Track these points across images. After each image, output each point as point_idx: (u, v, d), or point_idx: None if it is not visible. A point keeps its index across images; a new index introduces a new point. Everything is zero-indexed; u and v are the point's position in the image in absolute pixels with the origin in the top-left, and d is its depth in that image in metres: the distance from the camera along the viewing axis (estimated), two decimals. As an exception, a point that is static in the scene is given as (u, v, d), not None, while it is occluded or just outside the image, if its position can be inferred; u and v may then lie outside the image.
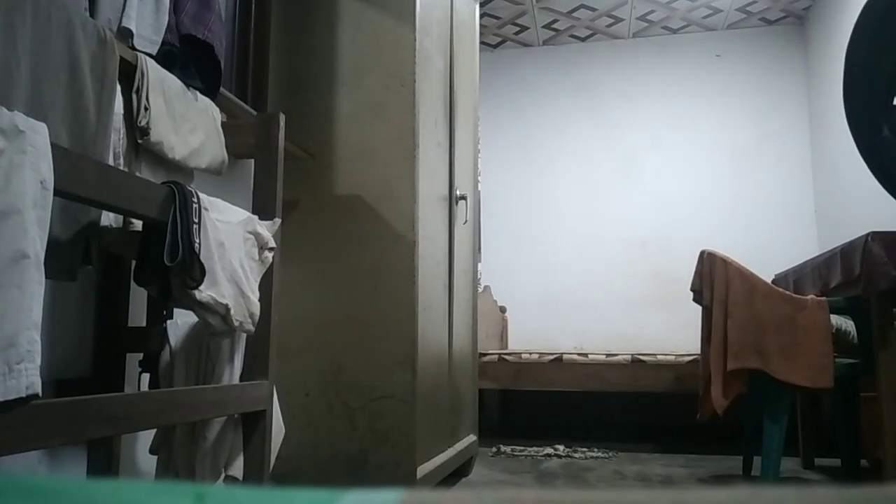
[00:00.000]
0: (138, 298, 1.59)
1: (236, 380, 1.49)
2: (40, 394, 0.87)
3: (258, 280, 1.47)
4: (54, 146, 0.94)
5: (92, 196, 1.05)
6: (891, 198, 2.78)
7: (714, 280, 2.56)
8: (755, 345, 2.40)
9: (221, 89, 1.77)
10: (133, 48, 1.44)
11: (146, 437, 1.59)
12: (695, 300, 2.72)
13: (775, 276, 3.20)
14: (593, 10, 4.43)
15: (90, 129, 1.24)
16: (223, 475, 1.45)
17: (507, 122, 4.82)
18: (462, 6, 2.88)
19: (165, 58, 1.52)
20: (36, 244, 0.89)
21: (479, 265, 4.30)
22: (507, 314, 4.46)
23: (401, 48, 2.23)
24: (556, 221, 4.67)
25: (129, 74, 1.39)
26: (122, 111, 1.36)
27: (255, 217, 1.49)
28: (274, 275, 1.54)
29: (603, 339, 4.36)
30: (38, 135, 0.91)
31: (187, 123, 1.52)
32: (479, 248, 4.39)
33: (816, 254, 3.26)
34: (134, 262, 1.35)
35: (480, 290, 4.17)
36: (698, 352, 2.91)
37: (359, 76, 2.26)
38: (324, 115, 2.27)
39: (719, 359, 2.47)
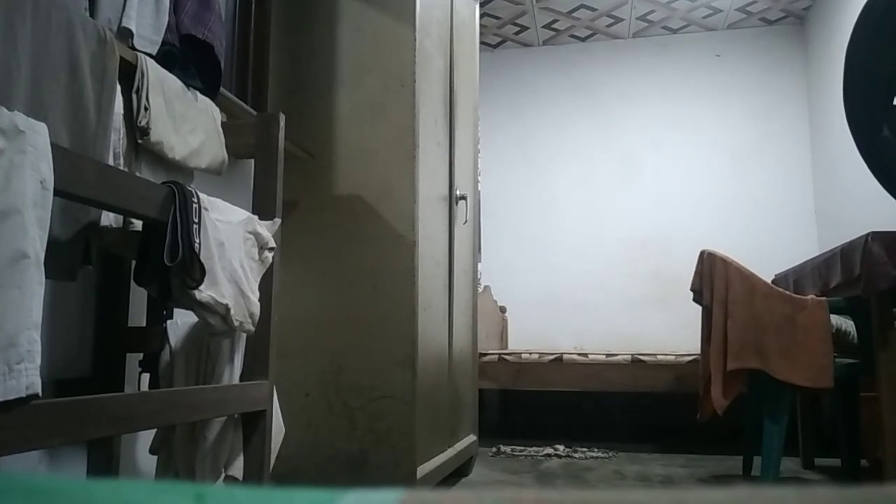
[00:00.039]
0: (138, 298, 1.59)
1: (236, 380, 1.49)
2: (40, 394, 0.87)
3: (258, 280, 1.47)
4: (54, 146, 0.94)
5: (92, 196, 1.05)
6: (891, 198, 2.78)
7: (714, 280, 2.56)
8: (755, 345, 2.40)
9: (221, 89, 1.77)
10: (133, 48, 1.44)
11: (146, 437, 1.59)
12: (695, 300, 2.72)
13: (775, 276, 3.20)
14: (593, 10, 4.43)
15: (90, 129, 1.24)
16: (223, 475, 1.45)
17: (507, 122, 4.82)
18: (462, 6, 2.88)
19: (165, 58, 1.52)
20: (36, 244, 0.89)
21: (479, 265, 4.30)
22: (507, 314, 4.46)
23: (401, 48, 2.23)
24: (556, 221, 4.67)
25: (129, 74, 1.39)
26: (122, 111, 1.36)
27: (255, 217, 1.49)
28: (274, 275, 1.54)
29: (603, 339, 4.36)
30: (38, 135, 0.91)
31: (187, 123, 1.52)
32: (479, 248, 4.39)
33: (816, 254, 3.26)
34: (134, 262, 1.35)
35: (480, 290, 4.17)
36: (698, 352, 2.91)
37: (359, 76, 2.26)
38: (324, 115, 2.27)
39: (719, 359, 2.47)
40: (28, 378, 0.86)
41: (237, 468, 1.47)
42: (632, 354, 3.58)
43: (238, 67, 2.39)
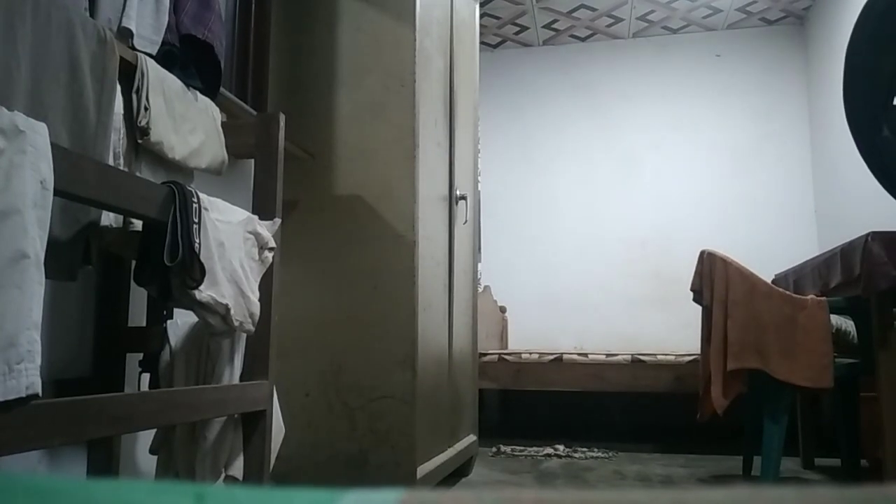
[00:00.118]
0: (138, 298, 1.59)
1: (236, 380, 1.49)
2: (40, 394, 0.87)
3: (258, 280, 1.47)
4: (54, 146, 0.94)
5: (92, 196, 1.05)
6: (891, 198, 2.78)
7: (714, 280, 2.56)
8: (755, 345, 2.40)
9: (221, 89, 1.77)
10: (133, 48, 1.44)
11: (146, 437, 1.59)
12: (695, 300, 2.72)
13: (775, 276, 3.20)
14: (593, 10, 4.43)
15: (90, 129, 1.24)
16: (223, 475, 1.45)
17: (507, 122, 4.82)
18: (462, 6, 2.88)
19: (165, 58, 1.52)
20: (36, 244, 0.89)
21: (479, 265, 4.30)
22: (507, 314, 4.46)
23: (401, 48, 2.23)
24: (556, 221, 4.67)
25: (129, 74, 1.39)
26: (122, 111, 1.36)
27: (255, 217, 1.49)
28: (274, 275, 1.54)
29: (603, 339, 4.36)
30: (38, 135, 0.91)
31: (187, 123, 1.52)
32: (479, 248, 4.39)
33: (816, 254, 3.26)
34: (134, 262, 1.35)
35: (480, 290, 4.17)
36: (698, 352, 2.91)
37: (359, 76, 2.26)
38: (324, 115, 2.27)
39: (719, 359, 2.47)
40: (28, 378, 0.86)
41: (237, 468, 1.47)
42: (632, 354, 3.58)
43: (238, 67, 2.39)
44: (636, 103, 4.68)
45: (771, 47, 4.56)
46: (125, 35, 1.44)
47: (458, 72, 2.74)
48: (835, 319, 2.46)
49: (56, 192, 0.93)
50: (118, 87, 1.34)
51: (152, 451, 1.51)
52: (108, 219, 1.33)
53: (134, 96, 1.39)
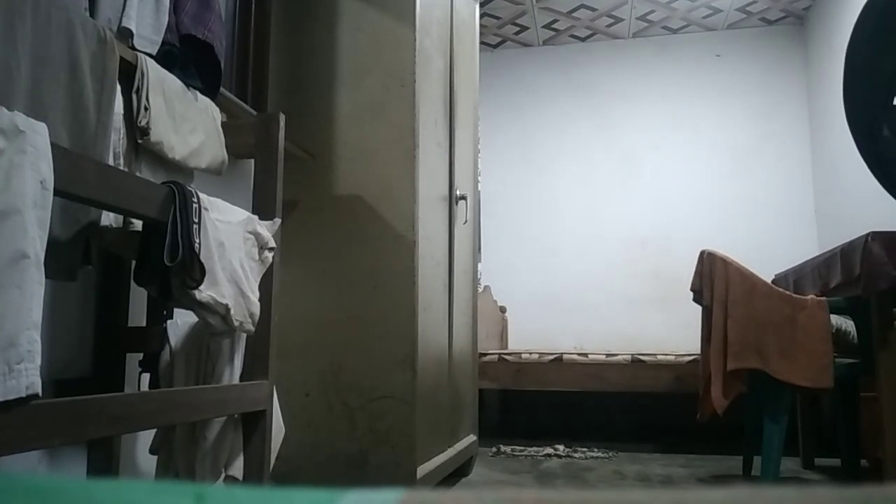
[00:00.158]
0: (138, 298, 1.59)
1: (236, 380, 1.49)
2: (40, 394, 0.87)
3: (258, 280, 1.47)
4: (54, 146, 0.94)
5: (92, 196, 1.05)
6: (891, 198, 2.78)
7: (714, 280, 2.56)
8: (755, 345, 2.40)
9: (221, 89, 1.77)
10: (133, 48, 1.44)
11: (146, 437, 1.59)
12: (695, 300, 2.72)
13: (775, 276, 3.20)
14: (593, 10, 4.43)
15: (90, 129, 1.24)
16: (223, 475, 1.45)
17: (507, 122, 4.82)
18: (462, 6, 2.88)
19: (165, 58, 1.52)
20: (36, 244, 0.89)
21: (479, 265, 4.30)
22: (507, 314, 4.46)
23: (401, 48, 2.23)
24: (556, 221, 4.67)
25: (129, 74, 1.39)
26: (122, 111, 1.36)
27: (255, 217, 1.49)
28: (274, 275, 1.54)
29: (603, 339, 4.36)
30: (38, 135, 0.91)
31: (187, 123, 1.52)
32: (479, 248, 4.39)
33: (816, 254, 3.26)
34: (134, 262, 1.35)
35: (480, 290, 4.17)
36: (698, 352, 2.91)
37: (359, 76, 2.26)
38: (324, 115, 2.27)
39: (719, 359, 2.47)
40: (28, 378, 0.86)
41: (237, 468, 1.47)
42: (632, 354, 3.58)
43: (238, 67, 2.39)
44: (636, 103, 4.68)
45: (771, 47, 4.56)
46: (125, 35, 1.44)
47: (458, 72, 2.74)
48: (835, 319, 2.45)
49: (56, 192, 0.93)
50: (118, 87, 1.34)
51: (152, 451, 1.51)
52: (108, 219, 1.33)
53: (134, 96, 1.39)
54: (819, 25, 4.24)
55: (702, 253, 2.69)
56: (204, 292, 1.27)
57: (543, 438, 3.60)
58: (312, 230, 2.22)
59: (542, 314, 4.52)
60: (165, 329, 1.49)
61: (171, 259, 1.20)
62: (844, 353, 2.48)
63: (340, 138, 2.25)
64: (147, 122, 1.39)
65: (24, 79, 1.09)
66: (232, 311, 1.34)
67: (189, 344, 1.49)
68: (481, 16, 4.24)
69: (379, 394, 2.09)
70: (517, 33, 4.73)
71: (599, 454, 3.24)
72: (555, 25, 4.62)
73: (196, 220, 1.26)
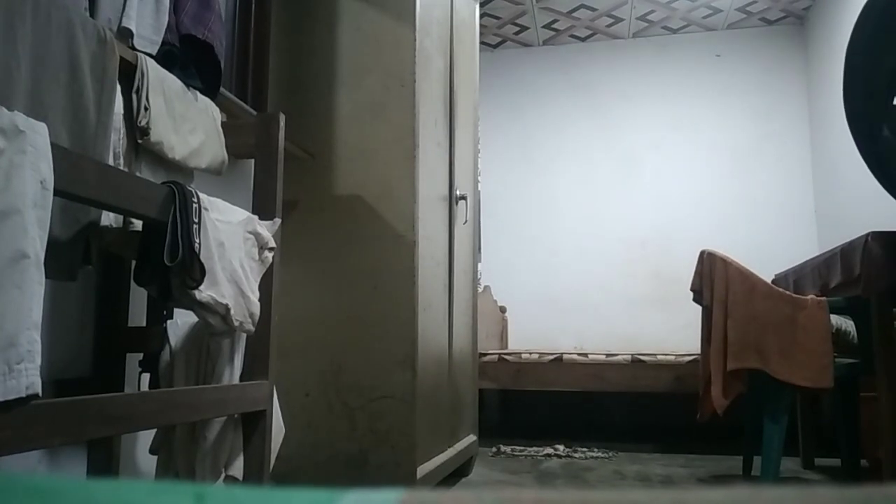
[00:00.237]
0: (138, 298, 1.59)
1: (236, 380, 1.49)
2: (40, 394, 0.87)
3: (258, 280, 1.47)
4: (54, 146, 0.94)
5: (92, 196, 1.05)
6: (891, 198, 2.77)
7: (714, 280, 2.56)
8: (755, 345, 2.40)
9: (221, 89, 1.77)
10: (133, 48, 1.44)
11: (146, 437, 1.59)
12: (695, 300, 2.72)
13: (775, 276, 3.20)
14: (593, 10, 4.43)
15: (90, 129, 1.24)
16: (223, 475, 1.45)
17: (507, 122, 4.82)
18: (462, 6, 2.88)
19: (165, 58, 1.52)
20: (36, 244, 0.89)
21: (479, 265, 4.30)
22: (507, 314, 4.46)
23: (401, 48, 2.23)
24: (556, 221, 4.67)
25: (129, 74, 1.39)
26: (122, 111, 1.36)
27: (255, 217, 1.49)
28: (274, 275, 1.54)
29: (603, 339, 4.36)
30: (38, 135, 0.91)
31: (187, 123, 1.52)
32: (479, 248, 4.39)
33: (816, 254, 3.26)
34: (134, 262, 1.35)
35: (480, 290, 4.17)
36: (698, 352, 2.91)
37: (359, 76, 2.26)
38: (324, 115, 2.27)
39: (719, 359, 2.47)
40: (28, 378, 0.86)
41: (237, 468, 1.47)
42: (632, 354, 3.58)
43: (238, 67, 2.39)
44: (636, 103, 4.68)
45: (771, 47, 4.56)
46: (125, 35, 1.44)
47: (458, 72, 2.74)
48: (835, 319, 2.45)
49: (56, 192, 0.93)
50: (118, 87, 1.34)
51: (152, 451, 1.51)
52: (108, 219, 1.33)
53: (134, 96, 1.39)
54: (819, 25, 4.24)
55: (702, 253, 2.69)
56: (204, 292, 1.27)
57: (543, 438, 3.60)
58: (312, 230, 2.22)
59: (542, 314, 4.52)
60: (165, 329, 1.49)
61: (171, 259, 1.20)
62: (844, 353, 2.48)
63: (340, 138, 2.25)
64: (147, 122, 1.39)
65: (24, 79, 1.09)
66: (232, 311, 1.34)
67: (189, 344, 1.49)
68: (481, 16, 4.24)
69: (379, 394, 2.09)
70: (517, 33, 4.73)
71: (599, 454, 3.24)
72: (555, 25, 4.62)
73: (196, 220, 1.26)
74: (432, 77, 2.41)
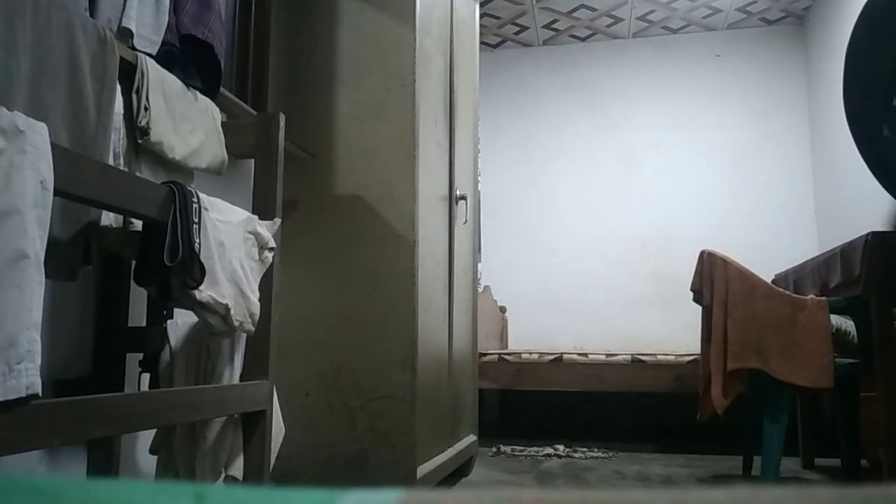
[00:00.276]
0: (138, 298, 1.59)
1: (236, 380, 1.49)
2: (40, 394, 0.87)
3: (258, 280, 1.47)
4: (54, 146, 0.94)
5: (92, 196, 1.05)
6: (891, 198, 2.78)
7: (714, 280, 2.56)
8: (755, 345, 2.40)
9: (221, 89, 1.77)
10: (133, 48, 1.44)
11: (146, 437, 1.59)
12: (695, 300, 2.71)
13: (775, 276, 3.20)
14: (593, 10, 4.43)
15: (90, 129, 1.24)
16: (223, 475, 1.45)
17: (507, 122, 4.82)
18: (462, 6, 2.88)
19: (165, 58, 1.52)
20: (36, 244, 0.89)
21: (479, 265, 4.30)
22: (507, 314, 4.46)
23: (401, 48, 2.23)
24: (556, 221, 4.67)
25: (129, 74, 1.39)
26: (122, 111, 1.36)
27: (255, 217, 1.49)
28: (274, 275, 1.54)
29: (603, 339, 4.36)
30: (38, 135, 0.91)
31: (187, 123, 1.52)
32: (479, 248, 4.39)
33: (816, 254, 3.26)
34: (134, 262, 1.35)
35: (480, 290, 4.17)
36: (698, 352, 2.91)
37: (359, 76, 2.26)
38: (324, 115, 2.27)
39: (719, 359, 2.47)
40: (28, 378, 0.86)
41: (237, 468, 1.47)
42: (632, 354, 3.58)
43: (238, 67, 2.39)
44: (636, 103, 4.68)
45: (771, 47, 4.56)
46: (125, 35, 1.44)
47: (458, 72, 2.74)
48: (835, 319, 2.45)
49: (56, 192, 0.93)
50: (118, 87, 1.34)
51: (152, 451, 1.51)
52: (108, 219, 1.33)
53: (134, 96, 1.39)
54: (819, 25, 4.24)
55: (702, 253, 2.69)
56: (204, 292, 1.27)
57: (543, 438, 3.60)
58: (312, 230, 2.22)
59: (542, 314, 4.52)
60: (165, 329, 1.49)
61: (171, 259, 1.20)
62: (844, 353, 2.48)
63: (340, 138, 2.25)
64: (147, 122, 1.39)
65: (24, 79, 1.09)
66: (232, 311, 1.34)
67: (189, 344, 1.49)
68: (481, 16, 4.24)
69: (379, 394, 2.09)
70: (517, 33, 4.73)
71: (599, 454, 3.24)
72: (555, 25, 4.62)
73: (196, 220, 1.26)
74: (432, 77, 2.41)
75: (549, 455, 3.23)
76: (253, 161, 1.66)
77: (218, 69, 1.65)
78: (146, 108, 1.39)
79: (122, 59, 1.35)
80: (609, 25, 4.62)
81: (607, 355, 3.62)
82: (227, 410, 1.39)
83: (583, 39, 4.80)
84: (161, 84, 1.45)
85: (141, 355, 1.51)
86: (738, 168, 4.48)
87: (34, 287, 0.88)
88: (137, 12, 1.47)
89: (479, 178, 4.04)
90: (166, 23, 1.53)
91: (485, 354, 3.66)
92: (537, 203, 4.71)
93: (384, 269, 2.14)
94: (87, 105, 1.23)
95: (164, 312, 1.53)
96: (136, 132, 1.38)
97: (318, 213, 2.23)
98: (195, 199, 1.27)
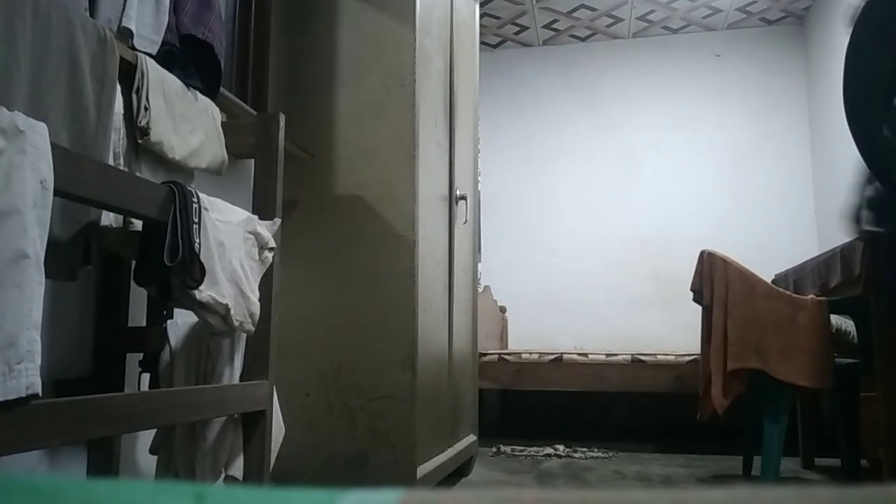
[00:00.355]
0: (138, 298, 1.59)
1: (236, 380, 1.49)
2: (40, 394, 0.87)
3: (258, 280, 1.47)
4: (54, 146, 0.94)
5: (92, 196, 1.05)
6: (891, 198, 2.77)
7: (714, 280, 2.56)
8: (755, 345, 2.40)
9: (221, 89, 1.77)
10: (133, 48, 1.44)
11: (146, 437, 1.59)
12: (695, 300, 2.71)
13: (775, 276, 3.19)
14: (593, 10, 4.43)
15: (90, 129, 1.24)
16: (223, 475, 1.45)
17: (507, 122, 4.82)
18: (462, 6, 2.88)
19: (165, 58, 1.52)
20: (36, 244, 0.89)
21: (479, 265, 4.30)
22: (507, 314, 4.46)
23: (401, 48, 2.23)
24: (556, 221, 4.67)
25: (129, 74, 1.39)
26: (122, 111, 1.36)
27: (255, 217, 1.49)
28: (274, 275, 1.53)
29: (603, 339, 4.36)
30: (38, 135, 0.91)
31: (187, 123, 1.52)
32: (479, 248, 4.38)
33: (816, 254, 3.26)
34: (134, 262, 1.35)
35: (480, 290, 4.17)
36: (698, 352, 2.91)
37: (359, 76, 2.26)
38: (324, 115, 2.27)
39: (719, 359, 2.47)
40: (28, 378, 0.86)
41: (237, 468, 1.47)
42: (632, 354, 3.58)
43: (238, 67, 2.39)
44: (636, 103, 4.68)
45: (771, 47, 4.56)
46: (125, 35, 1.44)
47: (458, 72, 2.74)
48: (835, 319, 2.46)
49: (56, 192, 0.93)
50: (118, 87, 1.34)
51: (152, 451, 1.51)
52: (108, 219, 1.33)
53: (134, 96, 1.39)
54: (819, 25, 4.24)
55: (702, 253, 2.69)
56: (204, 292, 1.27)
57: (543, 438, 3.60)
58: (312, 230, 2.22)
59: (542, 314, 4.52)
60: (165, 329, 1.49)
61: (171, 259, 1.20)
62: (844, 353, 2.48)
63: (340, 138, 2.25)
64: (147, 122, 1.39)
65: (24, 79, 1.09)
66: (232, 311, 1.34)
67: (189, 344, 1.49)
68: (481, 16, 4.24)
69: (379, 394, 2.09)
70: (517, 33, 4.73)
71: (599, 454, 3.24)
72: (555, 25, 4.62)
73: (196, 220, 1.26)
74: (432, 77, 2.41)
75: (549, 455, 3.23)
76: (253, 161, 1.66)
77: (218, 69, 1.65)
78: (146, 108, 1.39)
79: (122, 59, 1.35)
80: (609, 25, 4.62)
81: (607, 355, 3.62)
82: (227, 410, 1.39)
83: (583, 39, 4.80)
84: (161, 84, 1.45)
85: (141, 355, 1.51)
86: (738, 168, 4.48)
87: (34, 287, 0.88)
88: (137, 12, 1.47)
89: (479, 178, 4.04)
90: (166, 23, 1.53)
91: (485, 354, 3.66)
92: (537, 203, 4.71)
93: (384, 269, 2.14)
94: (87, 105, 1.23)
95: (164, 312, 1.53)
96: (136, 132, 1.38)
97: (318, 213, 2.23)
98: (195, 199, 1.27)
